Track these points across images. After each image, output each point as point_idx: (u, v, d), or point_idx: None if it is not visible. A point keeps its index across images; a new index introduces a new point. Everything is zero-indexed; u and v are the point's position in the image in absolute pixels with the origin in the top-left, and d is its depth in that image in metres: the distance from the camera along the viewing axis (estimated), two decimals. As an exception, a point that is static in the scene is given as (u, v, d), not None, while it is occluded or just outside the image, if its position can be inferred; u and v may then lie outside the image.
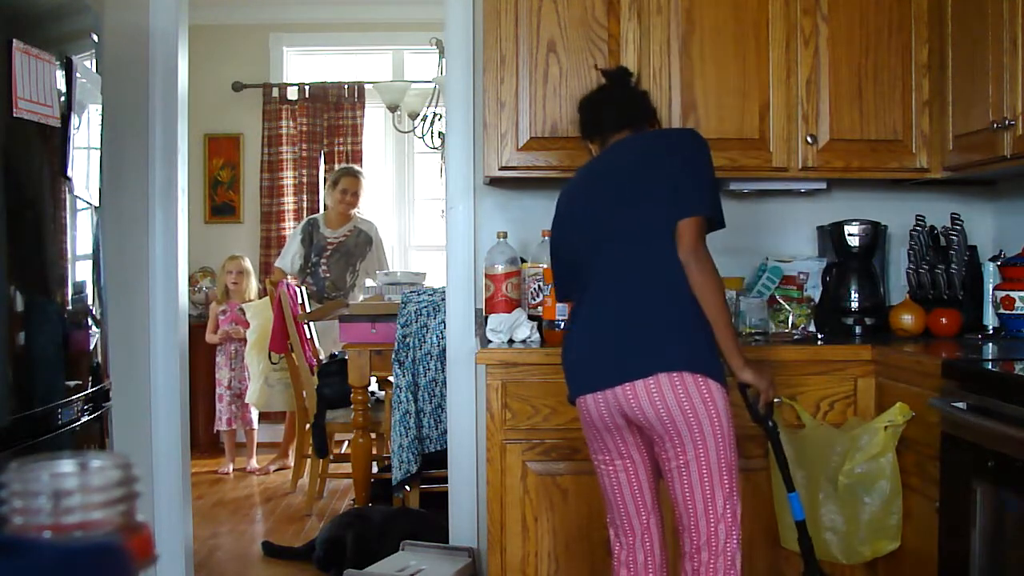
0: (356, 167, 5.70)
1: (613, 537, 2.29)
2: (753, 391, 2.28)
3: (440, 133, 5.03)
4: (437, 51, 4.97)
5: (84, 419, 2.38)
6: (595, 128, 2.46)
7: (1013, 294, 2.75)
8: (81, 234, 2.48)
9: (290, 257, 5.38)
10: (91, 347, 2.53)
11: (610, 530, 2.31)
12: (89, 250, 2.54)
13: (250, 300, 5.58)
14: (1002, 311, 2.79)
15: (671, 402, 2.06)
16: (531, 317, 2.86)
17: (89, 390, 2.44)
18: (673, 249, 2.14)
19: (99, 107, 2.58)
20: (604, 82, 2.53)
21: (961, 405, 2.12)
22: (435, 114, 5.22)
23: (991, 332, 2.92)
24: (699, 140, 2.27)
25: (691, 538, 2.14)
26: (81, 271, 2.48)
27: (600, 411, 2.16)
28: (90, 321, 2.53)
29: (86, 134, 2.47)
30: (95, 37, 2.60)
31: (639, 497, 2.23)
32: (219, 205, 6.39)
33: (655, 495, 2.25)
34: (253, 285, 5.70)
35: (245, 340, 5.37)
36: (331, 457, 4.71)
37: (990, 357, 2.60)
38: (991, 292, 2.89)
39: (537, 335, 2.79)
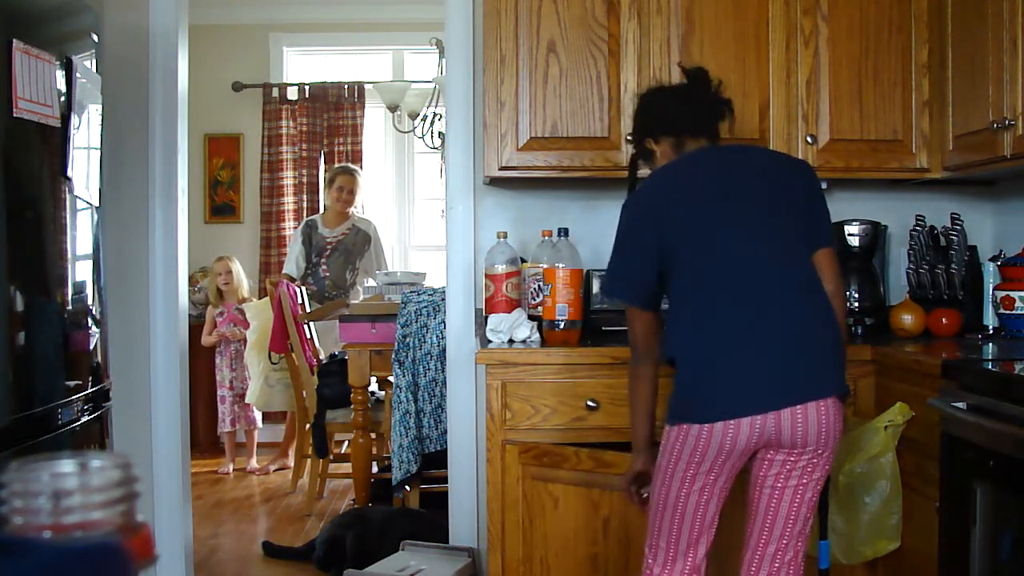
0: (352, 165, 5.71)
1: (663, 561, 2.11)
2: None
3: (440, 133, 5.03)
4: (437, 51, 4.97)
5: (84, 419, 2.38)
6: (669, 126, 2.26)
7: (1013, 294, 2.75)
8: (81, 234, 2.48)
9: (294, 261, 5.39)
10: (91, 347, 2.53)
11: (661, 554, 2.12)
12: (89, 250, 2.53)
13: (244, 299, 5.58)
14: (1002, 311, 2.78)
15: (833, 424, 2.00)
16: (531, 317, 2.86)
17: (89, 390, 2.44)
18: (815, 273, 2.09)
19: (99, 107, 2.58)
20: (668, 82, 2.44)
21: (961, 405, 2.12)
22: (435, 114, 5.22)
23: (991, 332, 2.91)
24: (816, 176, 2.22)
25: (774, 561, 2.07)
26: (81, 271, 2.48)
27: (751, 437, 1.96)
28: (90, 321, 2.52)
29: (86, 134, 2.47)
30: (95, 37, 2.60)
31: (714, 522, 2.10)
32: (219, 205, 6.39)
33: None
34: (244, 283, 5.69)
35: (245, 340, 5.37)
36: (331, 457, 4.71)
37: (990, 357, 2.59)
38: (991, 292, 2.89)
39: (537, 335, 2.78)
